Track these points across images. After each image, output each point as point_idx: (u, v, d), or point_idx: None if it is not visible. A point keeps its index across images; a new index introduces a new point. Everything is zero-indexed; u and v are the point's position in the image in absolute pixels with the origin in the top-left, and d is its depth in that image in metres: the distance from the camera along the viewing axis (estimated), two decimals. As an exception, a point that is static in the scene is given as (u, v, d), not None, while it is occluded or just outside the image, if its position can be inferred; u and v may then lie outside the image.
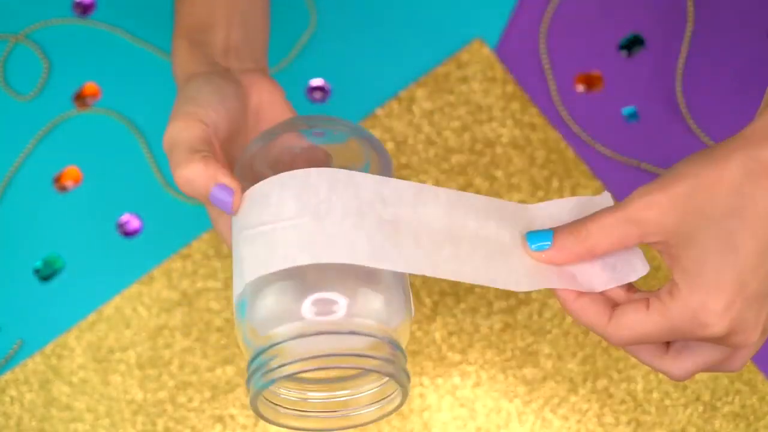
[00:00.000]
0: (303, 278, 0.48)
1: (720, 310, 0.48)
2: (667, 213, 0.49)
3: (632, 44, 0.79)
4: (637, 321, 0.50)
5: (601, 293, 0.52)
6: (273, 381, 0.47)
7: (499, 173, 0.76)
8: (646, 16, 0.80)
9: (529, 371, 0.73)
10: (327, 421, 0.52)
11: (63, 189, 0.77)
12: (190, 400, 0.73)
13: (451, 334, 0.74)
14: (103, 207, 0.77)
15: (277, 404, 0.52)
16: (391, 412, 0.52)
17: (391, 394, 0.52)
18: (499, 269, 0.52)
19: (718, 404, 0.72)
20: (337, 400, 0.52)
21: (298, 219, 0.49)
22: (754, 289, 0.49)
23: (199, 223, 0.76)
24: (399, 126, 0.78)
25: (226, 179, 0.52)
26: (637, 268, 0.52)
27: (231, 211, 0.52)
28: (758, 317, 0.49)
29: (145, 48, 0.80)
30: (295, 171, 0.51)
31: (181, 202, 0.77)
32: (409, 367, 0.73)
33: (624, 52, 0.79)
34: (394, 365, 0.48)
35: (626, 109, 0.78)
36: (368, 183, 0.51)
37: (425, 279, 0.75)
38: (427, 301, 0.74)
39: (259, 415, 0.50)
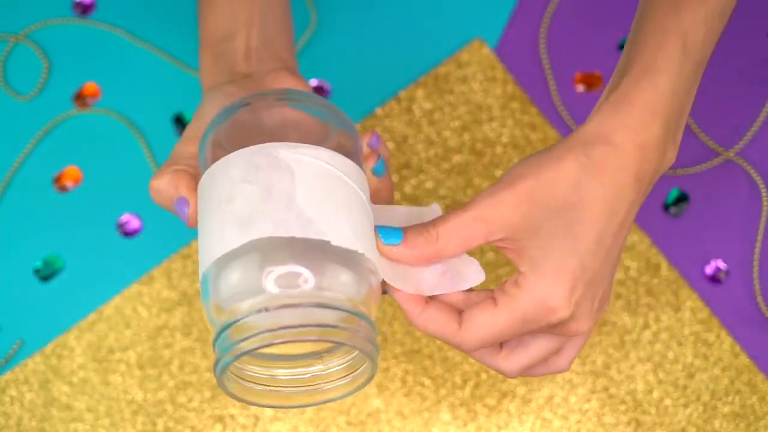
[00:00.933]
0: (266, 254, 0.47)
1: (566, 293, 0.50)
2: (514, 209, 0.51)
3: (632, 44, 0.79)
4: (487, 320, 0.51)
5: (445, 302, 0.53)
6: (237, 357, 0.46)
7: (499, 173, 0.76)
8: (646, 16, 0.80)
9: (529, 371, 0.73)
10: (296, 397, 0.51)
11: (63, 189, 0.77)
12: (190, 400, 0.73)
13: (451, 334, 0.74)
14: (103, 207, 0.77)
15: (245, 380, 0.50)
16: (360, 387, 0.50)
17: (360, 368, 0.50)
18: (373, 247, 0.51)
19: (718, 404, 0.72)
20: (306, 377, 0.51)
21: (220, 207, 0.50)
22: (591, 275, 0.51)
23: (199, 223, 0.76)
24: (399, 126, 0.78)
25: (185, 192, 0.53)
26: (471, 277, 0.53)
27: (188, 224, 0.53)
28: (593, 304, 0.52)
29: (145, 48, 0.80)
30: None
31: (181, 202, 0.77)
32: (409, 367, 0.73)
33: (624, 52, 0.79)
34: (362, 337, 0.47)
35: (626, 109, 0.78)
36: (242, 157, 0.49)
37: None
38: (427, 301, 0.74)
39: (228, 393, 0.49)
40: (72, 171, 0.77)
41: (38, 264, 0.76)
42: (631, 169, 0.51)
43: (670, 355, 0.73)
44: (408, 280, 0.52)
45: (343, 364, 0.51)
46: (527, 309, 0.51)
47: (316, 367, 0.51)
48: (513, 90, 0.78)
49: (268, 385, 0.51)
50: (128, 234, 0.76)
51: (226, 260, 0.48)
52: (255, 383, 0.50)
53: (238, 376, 0.50)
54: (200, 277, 0.50)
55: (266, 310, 0.46)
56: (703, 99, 0.78)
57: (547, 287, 0.50)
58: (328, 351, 0.51)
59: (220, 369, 0.46)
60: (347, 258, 0.48)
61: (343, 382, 0.51)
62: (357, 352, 0.50)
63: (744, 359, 0.73)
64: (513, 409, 0.72)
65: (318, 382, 0.51)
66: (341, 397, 0.51)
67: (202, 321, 0.74)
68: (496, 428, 0.72)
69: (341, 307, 0.47)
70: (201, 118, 0.57)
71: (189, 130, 0.56)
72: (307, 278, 0.46)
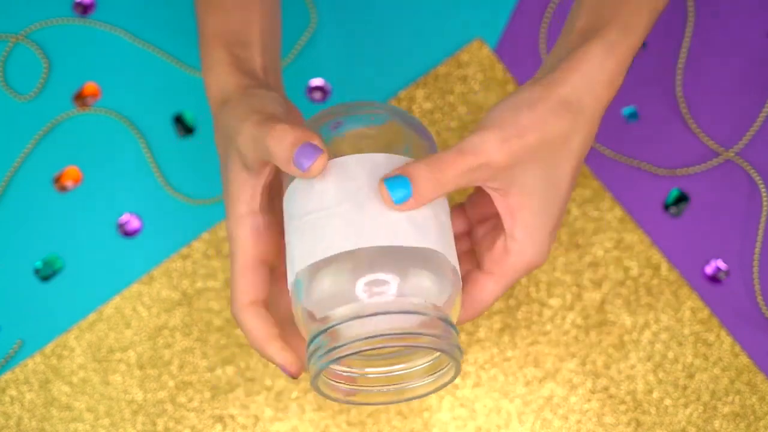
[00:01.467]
0: (355, 261, 0.50)
1: (547, 246, 0.55)
2: (499, 149, 0.52)
3: (632, 44, 0.79)
4: (487, 295, 0.55)
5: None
6: (332, 361, 0.49)
7: (499, 173, 0.76)
8: (646, 16, 0.80)
9: (529, 371, 0.73)
10: (383, 395, 0.54)
11: (63, 189, 0.77)
12: (190, 400, 0.73)
13: (451, 334, 0.74)
14: (103, 207, 0.77)
15: (334, 381, 0.54)
16: (445, 385, 0.53)
17: (445, 366, 0.53)
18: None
19: (718, 404, 0.72)
20: (392, 375, 0.54)
21: (339, 207, 0.51)
22: (561, 218, 0.55)
23: (199, 223, 0.76)
24: (399, 126, 0.78)
25: (318, 142, 0.51)
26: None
27: (309, 174, 0.51)
28: (553, 239, 0.56)
29: (145, 48, 0.80)
30: (335, 159, 0.52)
31: (181, 202, 0.77)
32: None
33: (624, 52, 0.79)
34: (446, 341, 0.50)
35: (626, 109, 0.78)
36: None
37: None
38: (427, 301, 0.74)
39: (320, 393, 0.52)
40: (72, 171, 0.77)
41: (38, 264, 0.76)
42: (597, 119, 0.55)
43: (670, 355, 0.73)
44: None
45: (428, 362, 0.54)
46: (519, 272, 0.55)
47: (402, 365, 0.55)
48: (513, 90, 0.78)
49: (356, 385, 0.54)
50: (128, 234, 0.76)
51: (320, 267, 0.51)
52: (343, 383, 0.54)
53: (326, 377, 0.53)
54: (292, 277, 0.52)
55: (360, 317, 0.50)
56: (703, 99, 0.78)
57: (534, 247, 0.54)
58: (415, 351, 0.55)
59: (315, 373, 0.50)
60: (435, 266, 0.52)
61: (427, 381, 0.54)
62: (440, 353, 0.54)
63: (744, 359, 0.73)
64: (513, 409, 0.72)
65: (404, 380, 0.55)
66: (425, 395, 0.54)
67: (202, 321, 0.74)
68: (496, 428, 0.72)
69: (427, 313, 0.50)
70: (267, 104, 0.55)
71: (263, 108, 0.55)
72: (394, 285, 0.50)
